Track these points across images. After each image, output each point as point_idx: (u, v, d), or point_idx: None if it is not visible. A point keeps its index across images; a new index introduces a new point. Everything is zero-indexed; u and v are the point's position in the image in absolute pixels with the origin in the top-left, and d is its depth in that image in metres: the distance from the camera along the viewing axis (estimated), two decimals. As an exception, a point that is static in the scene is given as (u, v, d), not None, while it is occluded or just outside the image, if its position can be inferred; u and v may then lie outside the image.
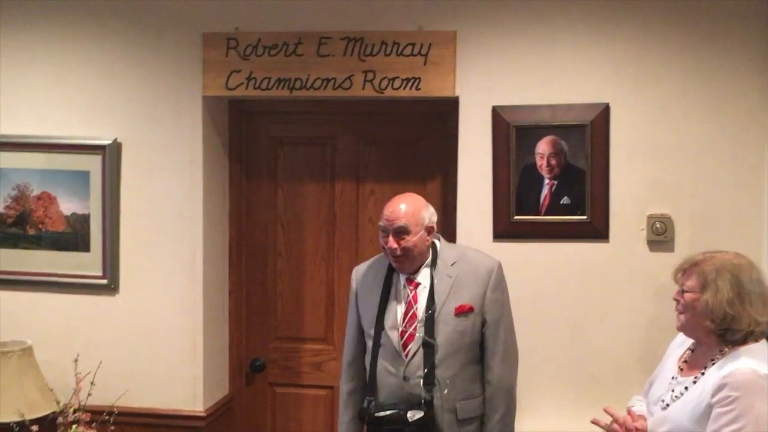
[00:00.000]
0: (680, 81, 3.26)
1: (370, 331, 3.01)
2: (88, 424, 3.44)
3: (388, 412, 2.88)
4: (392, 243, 2.89)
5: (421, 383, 2.88)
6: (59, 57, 3.73)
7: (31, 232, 3.81)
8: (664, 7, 3.25)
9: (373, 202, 3.84)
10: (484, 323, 2.94)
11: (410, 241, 2.89)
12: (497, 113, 3.38)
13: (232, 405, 3.98)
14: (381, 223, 2.94)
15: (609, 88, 3.31)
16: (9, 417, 3.39)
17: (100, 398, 3.53)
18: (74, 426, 3.42)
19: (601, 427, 2.50)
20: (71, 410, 3.47)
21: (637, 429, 2.41)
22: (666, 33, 3.26)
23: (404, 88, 3.45)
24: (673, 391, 2.39)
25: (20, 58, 3.75)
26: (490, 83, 3.40)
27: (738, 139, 3.24)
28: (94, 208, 3.73)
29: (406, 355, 2.92)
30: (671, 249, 3.24)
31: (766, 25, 3.18)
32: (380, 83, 3.46)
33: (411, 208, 2.92)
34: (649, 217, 3.31)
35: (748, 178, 3.24)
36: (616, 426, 2.46)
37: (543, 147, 3.36)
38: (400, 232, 2.89)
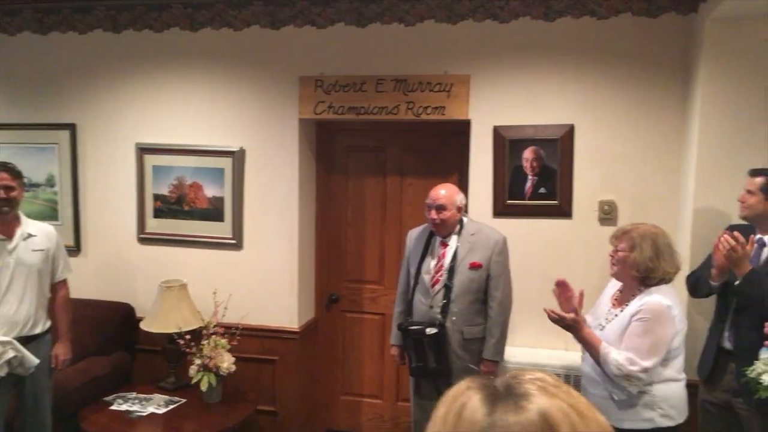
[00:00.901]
0: (623, 110, 3.25)
1: (413, 273, 3.07)
2: (222, 335, 3.48)
3: (415, 327, 2.96)
4: (434, 215, 2.95)
5: (439, 311, 2.95)
6: (207, 91, 3.72)
7: (186, 208, 3.81)
8: (613, 60, 3.22)
9: (412, 191, 3.82)
10: (488, 277, 2.98)
11: (446, 215, 2.95)
12: (497, 130, 3.38)
13: (317, 325, 3.99)
14: (428, 201, 2.99)
15: (574, 113, 3.30)
16: (171, 329, 3.47)
17: (230, 318, 3.57)
18: (213, 336, 3.46)
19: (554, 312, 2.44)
20: (211, 326, 3.51)
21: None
22: (612, 77, 3.24)
23: (434, 114, 3.43)
24: (607, 318, 2.44)
25: (181, 90, 3.75)
26: (492, 109, 3.38)
27: (661, 149, 3.22)
28: (227, 193, 3.73)
29: (432, 293, 2.98)
30: (615, 224, 3.21)
31: (681, 77, 3.15)
32: (417, 110, 3.45)
33: (448, 193, 2.98)
34: (600, 202, 3.30)
35: (668, 176, 3.23)
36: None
37: (528, 154, 3.35)
38: (440, 208, 2.94)
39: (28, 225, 3.07)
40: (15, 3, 3.83)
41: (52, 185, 3.91)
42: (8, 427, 3.10)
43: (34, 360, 2.94)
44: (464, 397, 0.74)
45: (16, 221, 3.04)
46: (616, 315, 2.39)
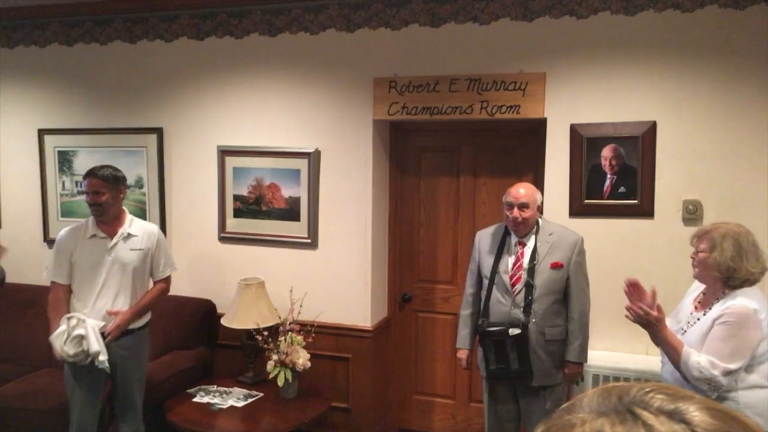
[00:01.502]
0: (707, 105, 3.15)
1: (487, 274, 3.03)
2: (298, 332, 3.56)
3: (496, 328, 2.93)
4: (516, 213, 2.92)
5: (522, 311, 2.92)
6: (284, 94, 3.82)
7: (264, 208, 3.91)
8: (698, 54, 3.13)
9: (485, 191, 3.83)
10: (568, 277, 2.94)
11: (528, 213, 2.92)
12: (574, 128, 3.34)
13: (389, 323, 4.04)
14: (509, 200, 2.95)
15: (656, 110, 3.22)
16: (249, 325, 3.60)
17: (305, 316, 3.69)
18: (289, 333, 3.55)
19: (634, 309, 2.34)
20: (287, 323, 3.59)
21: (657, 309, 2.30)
22: (696, 72, 3.15)
23: (508, 113, 3.42)
24: (689, 322, 2.38)
25: (260, 94, 3.87)
26: (568, 107, 3.35)
27: (749, 147, 3.11)
28: (302, 193, 3.82)
29: (513, 292, 2.95)
30: (700, 224, 3.09)
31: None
32: (491, 109, 3.44)
33: (530, 191, 2.95)
34: (684, 201, 3.21)
35: (755, 174, 3.11)
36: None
37: (606, 152, 3.30)
38: (522, 207, 2.91)
39: (131, 225, 3.24)
40: (107, 14, 4.10)
41: (141, 186, 4.13)
42: (102, 414, 3.30)
43: (96, 347, 3.02)
44: (637, 427, 0.65)
45: (119, 221, 3.21)
46: (698, 319, 2.33)
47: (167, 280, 3.37)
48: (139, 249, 3.22)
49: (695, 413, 0.64)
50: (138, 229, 3.26)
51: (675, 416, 0.65)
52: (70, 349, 3.02)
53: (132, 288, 3.21)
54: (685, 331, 2.36)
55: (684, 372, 2.23)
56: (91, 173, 3.17)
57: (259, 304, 3.67)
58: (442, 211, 3.95)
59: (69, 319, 3.06)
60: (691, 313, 2.40)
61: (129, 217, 3.27)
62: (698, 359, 2.20)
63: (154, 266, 3.30)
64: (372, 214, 3.75)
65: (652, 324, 2.30)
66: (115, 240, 3.18)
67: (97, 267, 3.14)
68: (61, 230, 3.27)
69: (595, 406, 0.69)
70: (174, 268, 3.41)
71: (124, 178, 3.27)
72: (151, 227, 3.35)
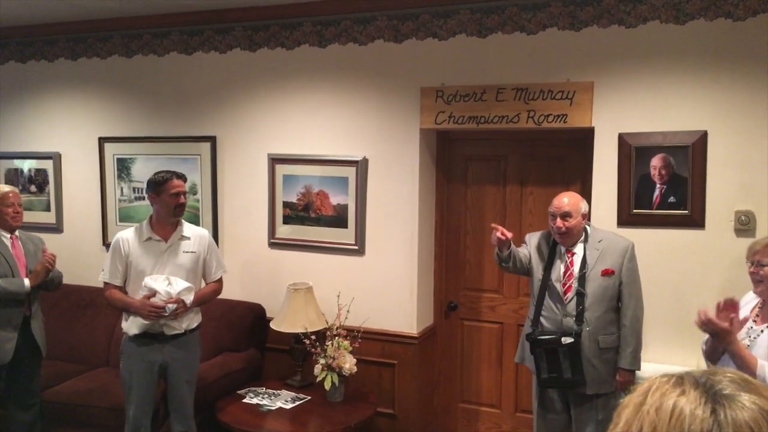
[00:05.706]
0: (760, 115, 3.16)
1: (539, 282, 3.11)
2: (344, 337, 3.69)
3: (548, 336, 3.00)
4: (559, 223, 2.99)
5: (574, 320, 2.98)
6: (333, 104, 3.97)
7: (312, 215, 4.07)
8: (751, 63, 3.15)
9: (532, 200, 3.89)
10: (620, 284, 2.99)
11: (572, 222, 2.99)
12: (622, 138, 3.38)
13: (435, 331, 4.13)
14: (551, 210, 3.03)
15: (707, 119, 3.24)
16: (297, 329, 3.75)
17: (352, 321, 3.81)
18: (336, 338, 3.69)
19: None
20: (334, 327, 3.74)
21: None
22: (749, 81, 3.16)
23: (555, 122, 3.48)
24: (750, 336, 2.38)
25: (309, 103, 4.03)
26: (616, 116, 3.39)
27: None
28: (350, 200, 3.95)
29: (565, 300, 3.01)
30: (753, 235, 3.10)
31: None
32: (538, 118, 3.51)
33: (573, 200, 3.02)
34: (737, 212, 3.22)
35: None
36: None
37: (656, 162, 3.33)
38: (565, 216, 2.98)
39: (184, 228, 3.47)
40: (164, 26, 4.38)
41: (195, 193, 4.37)
42: (156, 413, 3.53)
43: (185, 284, 3.32)
44: (673, 392, 0.72)
45: (174, 225, 3.45)
46: (761, 331, 2.35)
47: (219, 281, 3.58)
48: (192, 252, 3.44)
49: (745, 403, 0.71)
50: (190, 232, 3.49)
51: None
52: (170, 311, 3.24)
53: None
54: (748, 346, 2.35)
55: None
56: (176, 175, 3.41)
57: (307, 309, 3.82)
58: (488, 219, 3.97)
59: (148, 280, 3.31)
60: (752, 327, 2.41)
61: (183, 221, 3.50)
62: None
63: (206, 269, 3.51)
64: (418, 222, 3.85)
65: (719, 335, 2.27)
66: (169, 242, 3.40)
67: (152, 269, 3.36)
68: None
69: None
70: (225, 271, 3.61)
71: None
72: (202, 231, 3.58)
